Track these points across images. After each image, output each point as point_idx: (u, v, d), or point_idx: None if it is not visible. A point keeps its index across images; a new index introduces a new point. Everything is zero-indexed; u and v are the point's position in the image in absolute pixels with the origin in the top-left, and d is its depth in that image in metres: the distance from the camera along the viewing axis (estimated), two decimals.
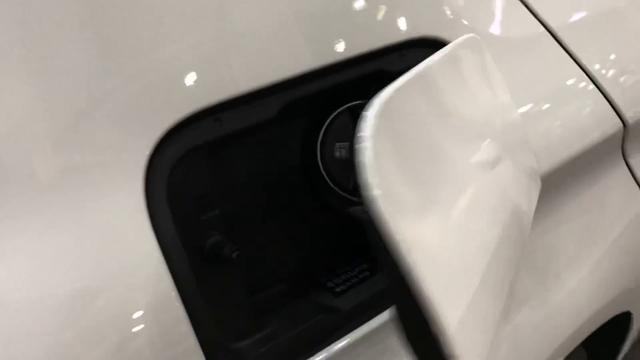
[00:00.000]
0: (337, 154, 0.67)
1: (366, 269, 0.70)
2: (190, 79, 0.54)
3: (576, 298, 0.93)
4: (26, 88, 0.47)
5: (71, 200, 0.47)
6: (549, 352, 0.91)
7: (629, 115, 0.86)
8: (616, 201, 0.94)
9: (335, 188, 0.66)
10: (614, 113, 0.85)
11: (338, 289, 0.67)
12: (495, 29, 0.75)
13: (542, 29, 0.79)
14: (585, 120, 0.83)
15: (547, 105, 0.79)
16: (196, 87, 0.54)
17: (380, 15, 0.65)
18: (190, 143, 0.53)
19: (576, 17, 0.87)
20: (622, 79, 0.87)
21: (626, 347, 1.31)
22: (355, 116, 0.67)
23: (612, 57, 0.88)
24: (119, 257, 0.48)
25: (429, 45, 0.68)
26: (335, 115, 0.67)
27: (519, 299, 0.83)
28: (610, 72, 0.85)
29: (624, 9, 0.94)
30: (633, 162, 0.94)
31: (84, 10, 0.51)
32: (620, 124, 0.86)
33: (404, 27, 0.65)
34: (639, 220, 0.97)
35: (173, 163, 0.52)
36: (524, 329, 0.85)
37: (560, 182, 0.81)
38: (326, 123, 0.67)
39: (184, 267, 0.51)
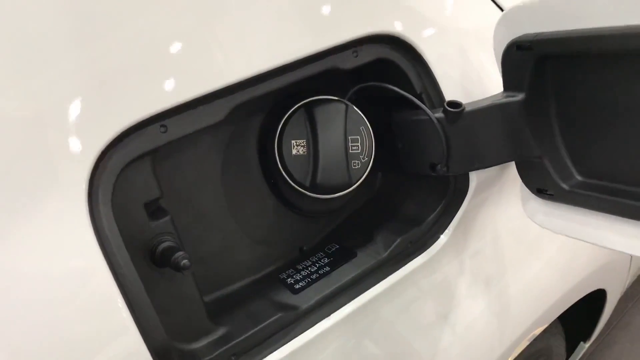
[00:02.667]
0: (295, 151, 0.67)
1: (326, 264, 0.71)
2: (134, 86, 0.53)
3: (548, 274, 0.95)
4: None
5: (8, 215, 0.47)
6: (527, 323, 0.94)
7: None
8: None
9: (294, 185, 0.67)
10: None
11: (297, 286, 0.67)
12: (456, 21, 0.73)
13: None
14: None
15: None
16: (140, 94, 0.53)
17: (332, 13, 0.63)
18: (135, 152, 0.53)
19: None
20: None
21: (602, 322, 1.34)
22: (310, 113, 0.67)
23: None
24: (62, 269, 0.48)
25: (382, 42, 0.66)
26: (291, 113, 0.66)
27: (499, 271, 0.85)
28: None
29: None
30: None
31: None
32: None
33: (356, 25, 0.64)
34: None
35: (117, 173, 0.52)
36: (505, 298, 0.87)
37: None
38: (282, 121, 0.66)
39: (129, 275, 0.51)
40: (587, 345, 1.42)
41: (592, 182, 0.64)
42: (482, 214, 0.78)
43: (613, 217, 0.61)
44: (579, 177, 0.65)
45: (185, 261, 0.54)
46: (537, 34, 0.60)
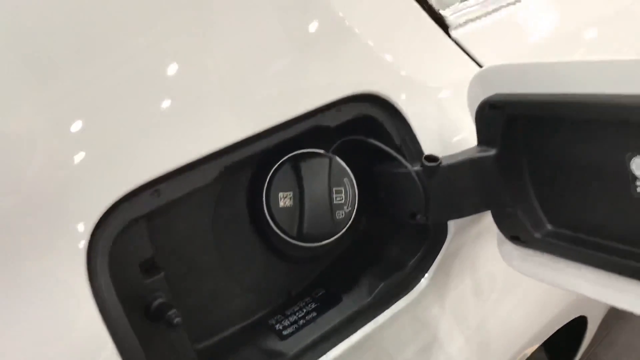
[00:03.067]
0: (282, 203, 0.70)
1: (313, 309, 0.74)
2: (129, 155, 0.56)
3: (528, 307, 0.99)
4: None
5: (10, 278, 0.50)
6: (513, 350, 0.98)
7: None
8: None
9: (281, 235, 0.70)
10: None
11: (285, 332, 0.70)
12: (434, 76, 0.78)
13: None
14: None
15: None
16: (135, 162, 0.56)
17: (317, 76, 0.67)
18: (130, 217, 0.56)
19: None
20: None
21: (583, 347, 1.38)
22: (296, 166, 0.70)
23: None
24: (62, 334, 0.51)
25: (363, 100, 0.70)
26: (278, 166, 0.70)
27: (479, 308, 0.89)
28: None
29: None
30: None
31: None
32: None
33: (339, 86, 0.68)
34: None
35: (113, 238, 0.55)
36: (485, 332, 0.90)
37: None
38: (269, 175, 0.70)
39: (126, 336, 0.54)
40: None
41: (563, 232, 0.68)
42: (461, 256, 0.82)
43: (582, 265, 0.65)
44: (549, 227, 0.69)
45: (177, 319, 0.57)
46: (508, 95, 0.65)
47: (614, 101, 0.54)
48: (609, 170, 0.59)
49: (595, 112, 0.57)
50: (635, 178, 0.57)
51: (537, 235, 0.69)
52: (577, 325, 1.32)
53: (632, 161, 0.56)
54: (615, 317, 2.01)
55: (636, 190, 0.57)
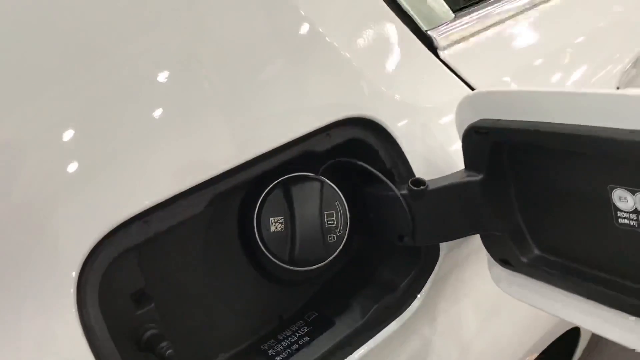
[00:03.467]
0: (273, 228, 0.70)
1: (306, 333, 0.74)
2: (119, 186, 0.56)
3: (521, 323, 0.99)
4: None
5: None
6: None
7: None
8: None
9: (274, 260, 0.70)
10: None
11: (278, 358, 0.71)
12: (424, 99, 0.78)
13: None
14: None
15: None
16: (125, 194, 0.56)
17: (307, 102, 0.68)
18: (120, 248, 0.56)
19: (502, 79, 0.90)
20: None
21: (577, 354, 1.39)
22: (287, 190, 0.70)
23: None
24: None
25: (353, 123, 0.71)
26: (268, 191, 0.70)
27: (473, 327, 0.89)
28: None
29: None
30: None
31: None
32: None
33: (329, 111, 0.68)
34: None
35: (103, 270, 0.55)
36: (480, 350, 0.91)
37: None
38: (259, 200, 0.70)
39: None
40: None
41: (550, 258, 0.68)
42: (453, 276, 0.82)
43: (569, 293, 0.65)
44: (537, 252, 0.69)
45: (169, 351, 0.57)
46: (493, 121, 0.65)
47: (595, 134, 0.55)
48: (592, 199, 0.59)
49: (577, 144, 0.57)
50: (617, 209, 0.57)
51: (525, 260, 0.69)
52: (571, 335, 1.34)
53: (613, 192, 0.57)
54: None
55: (618, 220, 0.57)
